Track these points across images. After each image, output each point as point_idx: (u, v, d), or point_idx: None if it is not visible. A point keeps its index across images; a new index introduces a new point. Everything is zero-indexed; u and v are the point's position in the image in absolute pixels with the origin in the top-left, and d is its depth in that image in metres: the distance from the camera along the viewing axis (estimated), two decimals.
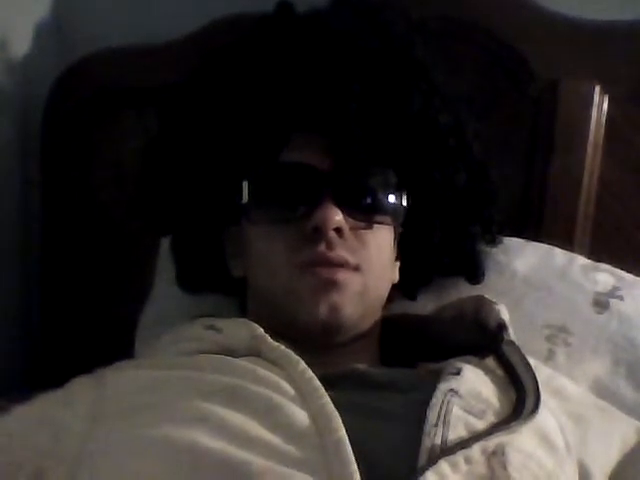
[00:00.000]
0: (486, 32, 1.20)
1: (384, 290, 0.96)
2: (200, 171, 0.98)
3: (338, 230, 0.89)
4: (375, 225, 0.92)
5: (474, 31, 1.20)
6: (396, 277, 1.00)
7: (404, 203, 0.95)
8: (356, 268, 0.89)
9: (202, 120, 0.98)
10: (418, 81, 0.97)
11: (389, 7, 1.03)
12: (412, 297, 1.07)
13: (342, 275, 0.88)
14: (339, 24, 0.98)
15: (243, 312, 1.00)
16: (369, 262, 0.90)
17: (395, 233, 0.97)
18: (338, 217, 0.88)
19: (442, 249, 1.02)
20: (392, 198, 0.94)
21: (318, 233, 0.88)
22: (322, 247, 0.88)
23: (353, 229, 0.90)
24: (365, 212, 0.92)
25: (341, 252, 0.89)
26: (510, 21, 1.20)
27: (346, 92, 0.92)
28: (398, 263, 1.01)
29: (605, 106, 1.18)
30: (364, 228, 0.91)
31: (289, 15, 1.01)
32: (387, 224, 0.94)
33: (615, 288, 1.08)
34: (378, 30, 0.98)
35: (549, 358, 1.03)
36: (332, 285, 0.88)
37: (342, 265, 0.89)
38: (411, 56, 0.98)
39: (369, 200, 0.93)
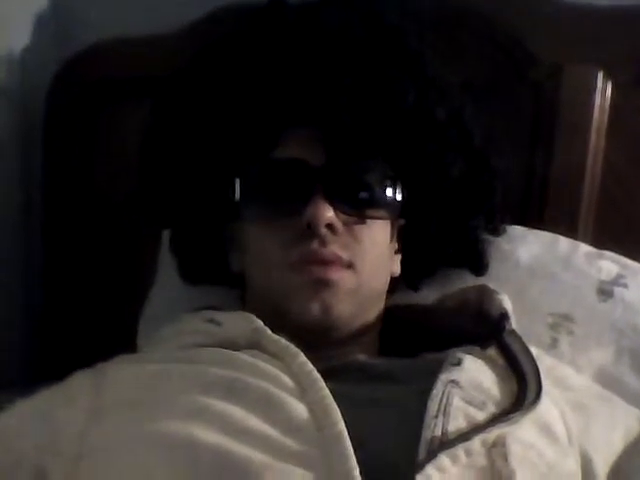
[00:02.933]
0: (488, 18, 1.18)
1: (381, 285, 0.95)
2: (194, 168, 0.98)
3: (331, 226, 0.88)
4: (369, 220, 0.91)
5: (476, 17, 1.19)
6: (397, 270, 0.99)
7: (398, 197, 0.94)
8: (349, 265, 0.89)
9: (193, 117, 0.98)
10: (412, 73, 0.96)
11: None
12: (415, 288, 1.06)
13: (335, 274, 0.88)
14: (330, 17, 0.97)
15: (244, 305, 0.99)
16: (363, 258, 0.90)
17: (393, 226, 0.96)
18: (329, 214, 0.87)
19: (444, 241, 1.01)
20: (386, 192, 0.93)
21: (310, 230, 0.87)
22: (314, 244, 0.87)
23: (346, 224, 0.90)
24: (358, 207, 0.91)
25: (334, 249, 0.88)
26: (512, 7, 1.19)
27: (337, 84, 0.91)
28: (399, 256, 1.00)
29: (609, 92, 1.17)
30: (357, 223, 0.91)
31: (280, 9, 1.00)
32: (381, 218, 0.93)
33: (619, 276, 1.08)
34: (370, 22, 0.97)
35: (553, 346, 1.02)
36: (324, 284, 0.87)
37: (335, 262, 0.88)
38: (404, 48, 0.97)
39: (362, 195, 0.92)
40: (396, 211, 0.95)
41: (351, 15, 0.98)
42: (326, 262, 0.88)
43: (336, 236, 0.88)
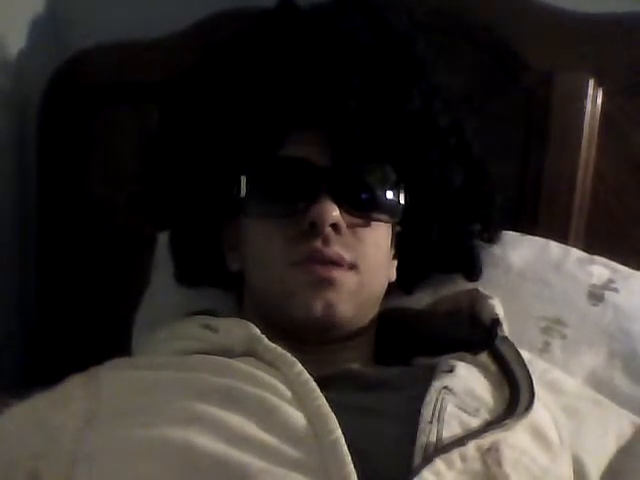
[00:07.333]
0: (480, 25, 1.19)
1: (380, 288, 0.96)
2: (199, 165, 0.98)
3: (335, 226, 0.88)
4: (372, 222, 0.92)
5: (468, 24, 1.19)
6: (393, 276, 1.00)
7: (402, 200, 0.95)
8: (352, 266, 0.89)
9: (201, 114, 0.98)
10: (418, 80, 0.97)
11: (391, 5, 1.02)
12: (408, 292, 1.07)
13: (338, 273, 0.88)
14: (340, 21, 0.98)
15: (240, 307, 1.00)
16: (365, 259, 0.90)
17: (392, 232, 0.97)
18: (335, 213, 0.88)
19: (440, 247, 1.02)
20: (390, 195, 0.94)
21: (315, 229, 0.88)
22: (318, 243, 0.88)
23: (350, 226, 0.90)
24: (363, 209, 0.92)
25: (337, 249, 0.88)
26: (504, 14, 1.20)
27: (345, 88, 0.92)
28: (395, 262, 1.01)
29: (599, 99, 1.18)
30: (361, 225, 0.91)
31: (290, 11, 1.01)
32: (384, 221, 0.94)
33: (610, 280, 1.08)
34: (379, 27, 0.98)
35: (544, 350, 1.03)
36: (328, 283, 0.88)
37: (338, 262, 0.88)
38: (412, 55, 0.98)
39: (367, 196, 0.92)
40: (398, 215, 0.96)
41: (360, 20, 0.98)
42: (329, 262, 0.88)
43: (339, 236, 0.89)
